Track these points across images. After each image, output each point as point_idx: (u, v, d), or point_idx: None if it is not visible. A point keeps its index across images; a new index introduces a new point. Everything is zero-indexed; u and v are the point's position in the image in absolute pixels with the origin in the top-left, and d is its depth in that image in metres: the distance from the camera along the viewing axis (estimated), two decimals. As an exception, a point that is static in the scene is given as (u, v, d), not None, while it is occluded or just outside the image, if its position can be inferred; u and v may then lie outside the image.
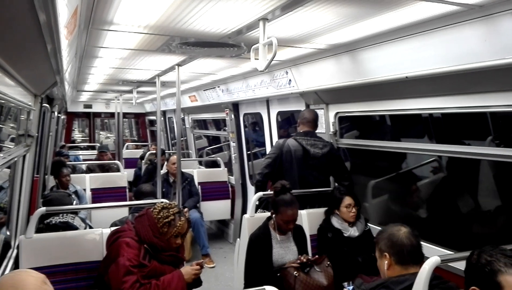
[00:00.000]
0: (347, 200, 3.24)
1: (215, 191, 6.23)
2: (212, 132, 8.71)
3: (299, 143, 3.61)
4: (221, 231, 6.83)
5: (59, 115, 7.07)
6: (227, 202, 6.25)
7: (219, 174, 6.52)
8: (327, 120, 3.93)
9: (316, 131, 3.85)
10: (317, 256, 2.99)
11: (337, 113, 3.86)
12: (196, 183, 5.99)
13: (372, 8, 2.08)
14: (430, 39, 2.37)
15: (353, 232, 3.21)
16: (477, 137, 3.20)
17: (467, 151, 2.73)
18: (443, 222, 3.48)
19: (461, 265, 1.90)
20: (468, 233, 3.31)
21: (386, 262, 2.02)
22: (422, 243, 2.07)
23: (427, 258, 1.83)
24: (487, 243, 1.77)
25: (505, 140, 3.11)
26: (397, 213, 4.08)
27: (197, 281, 2.62)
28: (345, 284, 2.75)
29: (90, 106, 11.03)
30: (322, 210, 3.43)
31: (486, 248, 1.69)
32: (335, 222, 3.24)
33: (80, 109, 11.03)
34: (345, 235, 3.19)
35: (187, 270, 2.53)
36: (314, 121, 3.75)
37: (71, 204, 3.75)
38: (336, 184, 3.81)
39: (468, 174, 3.37)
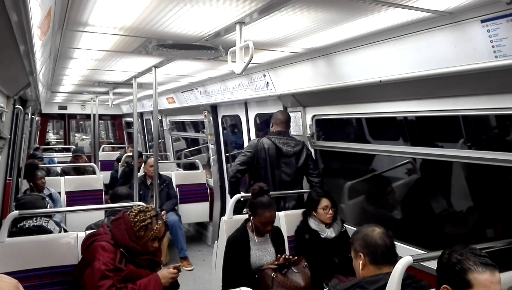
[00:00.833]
0: (324, 202, 3.27)
1: (194, 193, 6.19)
2: (191, 134, 8.66)
3: (272, 142, 3.74)
4: (199, 233, 6.79)
5: (33, 116, 6.92)
6: (206, 205, 6.22)
7: (198, 176, 6.49)
8: (304, 123, 3.97)
9: (294, 133, 3.91)
10: (295, 257, 3.02)
11: (314, 115, 3.90)
12: (174, 186, 5.95)
13: (346, 13, 2.11)
14: (403, 44, 2.42)
15: (330, 233, 3.24)
16: (450, 140, 3.29)
17: (440, 153, 2.79)
18: (417, 223, 3.56)
19: (433, 264, 1.95)
20: (441, 233, 3.39)
21: (361, 262, 2.05)
22: (396, 243, 2.11)
23: (401, 258, 1.87)
24: (459, 242, 1.82)
25: (476, 142, 3.20)
26: (373, 214, 4.15)
27: (174, 285, 2.60)
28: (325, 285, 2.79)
29: (65, 108, 10.83)
30: (299, 211, 3.46)
31: (457, 247, 1.74)
32: (312, 223, 3.27)
33: (55, 110, 10.82)
34: (322, 236, 3.22)
35: (163, 273, 2.51)
36: (287, 122, 3.88)
37: (45, 207, 3.67)
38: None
39: (441, 176, 3.45)
